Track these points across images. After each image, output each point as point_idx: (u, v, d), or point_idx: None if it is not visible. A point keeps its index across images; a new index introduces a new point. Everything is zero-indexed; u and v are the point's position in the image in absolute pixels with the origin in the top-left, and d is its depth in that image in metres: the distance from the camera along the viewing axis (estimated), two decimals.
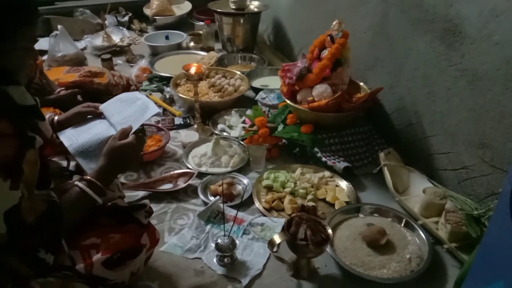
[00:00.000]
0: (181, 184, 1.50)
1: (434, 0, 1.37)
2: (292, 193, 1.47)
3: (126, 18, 3.08)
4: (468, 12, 1.26)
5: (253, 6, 2.58)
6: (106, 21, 2.86)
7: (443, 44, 1.37)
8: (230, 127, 1.87)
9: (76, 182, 0.98)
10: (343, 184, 1.51)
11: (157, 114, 1.42)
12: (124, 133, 1.08)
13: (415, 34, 1.49)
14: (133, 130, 1.09)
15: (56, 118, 1.21)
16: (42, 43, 2.52)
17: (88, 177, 0.99)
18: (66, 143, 1.14)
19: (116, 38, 2.74)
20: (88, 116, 1.24)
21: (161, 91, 2.15)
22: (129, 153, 1.06)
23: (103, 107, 1.25)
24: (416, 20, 1.47)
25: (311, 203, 1.40)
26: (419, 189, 1.41)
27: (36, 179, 0.85)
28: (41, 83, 1.78)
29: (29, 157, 0.81)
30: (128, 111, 1.21)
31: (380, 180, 1.51)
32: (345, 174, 1.54)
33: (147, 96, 2.03)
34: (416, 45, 1.49)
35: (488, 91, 1.24)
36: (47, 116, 1.20)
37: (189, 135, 1.78)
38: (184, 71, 1.77)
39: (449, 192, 1.36)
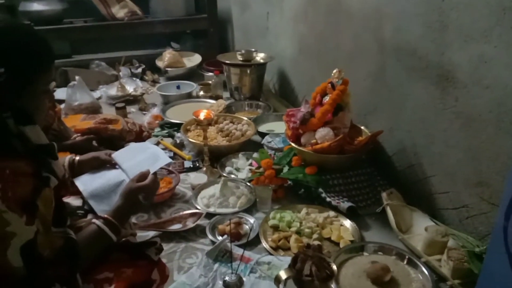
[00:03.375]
0: (190, 224, 1.55)
1: (427, 49, 1.47)
2: (298, 233, 1.50)
3: (140, 70, 3.24)
4: (459, 59, 1.34)
5: (259, 57, 2.72)
6: (121, 73, 3.00)
7: (437, 89, 1.45)
8: (238, 169, 1.93)
9: (94, 220, 1.04)
10: (348, 223, 1.54)
11: (167, 165, 1.50)
12: (143, 176, 1.16)
13: (411, 81, 1.57)
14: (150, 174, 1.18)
15: (77, 158, 1.29)
16: (59, 93, 2.65)
17: (106, 216, 1.05)
18: (80, 187, 1.23)
19: (129, 88, 2.86)
20: (107, 166, 1.32)
21: (172, 136, 2.24)
22: (145, 195, 1.14)
23: (115, 155, 1.33)
24: (411, 68, 1.56)
25: (316, 242, 1.43)
26: (421, 228, 1.44)
27: (51, 216, 0.89)
28: (59, 129, 1.88)
29: (44, 195, 0.86)
30: (138, 158, 1.30)
31: (383, 220, 1.54)
32: (349, 214, 1.57)
33: (158, 142, 2.14)
34: (413, 91, 1.57)
35: (482, 132, 1.30)
36: (67, 158, 1.29)
37: (198, 177, 1.85)
38: (194, 117, 1.87)
39: (450, 230, 1.39)
